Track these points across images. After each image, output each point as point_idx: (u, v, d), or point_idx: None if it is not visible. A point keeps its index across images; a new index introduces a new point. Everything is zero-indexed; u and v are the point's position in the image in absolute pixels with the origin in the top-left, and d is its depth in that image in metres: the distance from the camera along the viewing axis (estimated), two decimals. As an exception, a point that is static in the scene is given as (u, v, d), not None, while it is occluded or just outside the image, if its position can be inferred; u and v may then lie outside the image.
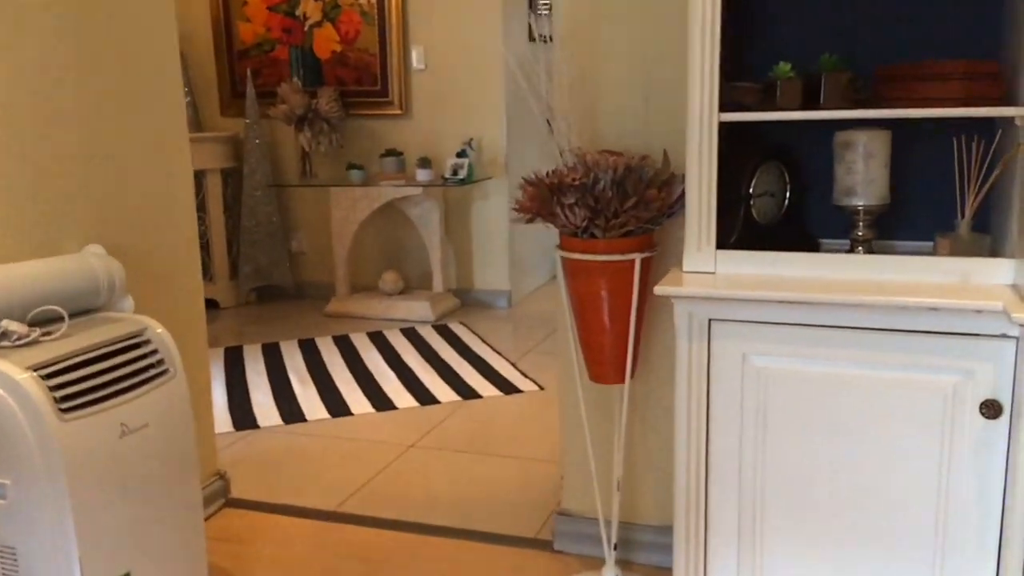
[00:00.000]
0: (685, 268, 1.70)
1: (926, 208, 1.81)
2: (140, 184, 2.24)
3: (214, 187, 5.00)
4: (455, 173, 4.73)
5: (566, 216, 1.82)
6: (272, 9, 5.11)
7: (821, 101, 1.64)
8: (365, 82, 5.02)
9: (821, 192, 1.84)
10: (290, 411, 3.47)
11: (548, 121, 1.95)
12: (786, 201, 1.85)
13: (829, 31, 1.80)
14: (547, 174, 1.88)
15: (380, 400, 3.56)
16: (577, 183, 1.81)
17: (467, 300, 5.12)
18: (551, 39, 2.09)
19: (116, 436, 1.67)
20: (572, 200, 1.80)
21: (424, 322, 4.77)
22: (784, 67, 1.64)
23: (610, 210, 1.80)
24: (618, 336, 1.93)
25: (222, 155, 5.06)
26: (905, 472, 1.54)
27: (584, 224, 1.83)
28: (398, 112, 5.00)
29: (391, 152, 4.85)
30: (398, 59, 4.93)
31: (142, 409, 1.73)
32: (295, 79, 5.04)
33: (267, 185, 5.10)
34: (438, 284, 4.97)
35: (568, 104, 1.93)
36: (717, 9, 1.60)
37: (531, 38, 5.16)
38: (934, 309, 1.47)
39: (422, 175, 4.76)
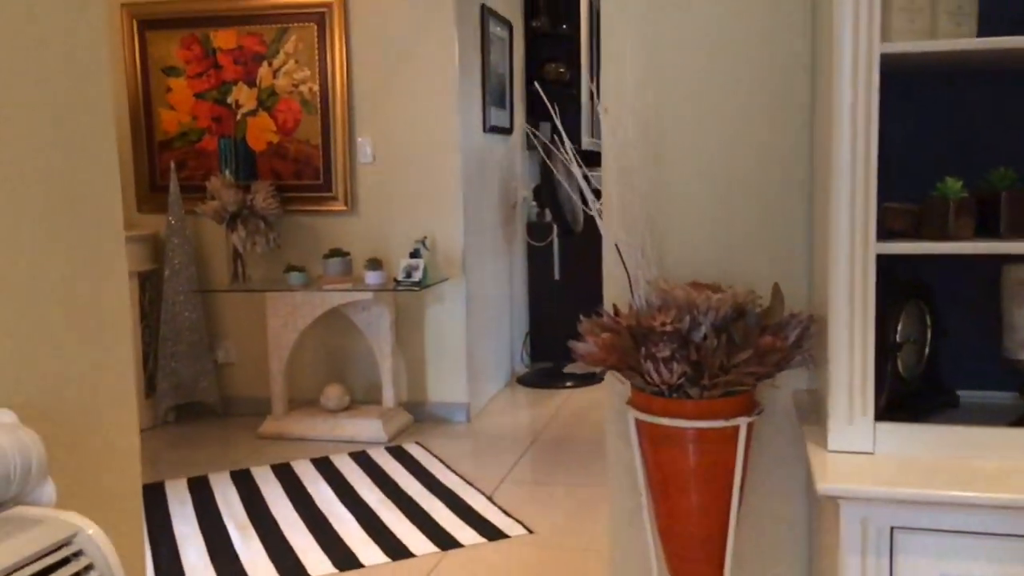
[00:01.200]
0: (831, 447, 1.28)
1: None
2: (63, 315, 1.70)
3: (130, 293, 4.38)
4: (408, 275, 4.26)
5: (659, 373, 1.37)
6: (200, 96, 4.62)
7: (1001, 228, 1.27)
8: (306, 176, 4.54)
9: (964, 337, 1.47)
10: (232, 575, 2.85)
11: (617, 245, 1.53)
12: (927, 349, 1.46)
13: (982, 136, 1.46)
14: (614, 311, 1.46)
15: (341, 555, 2.98)
16: (670, 329, 1.37)
17: (421, 415, 4.59)
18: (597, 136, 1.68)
19: None
20: (667, 352, 1.36)
21: (376, 443, 4.21)
22: (954, 184, 1.27)
23: (715, 364, 1.37)
24: (714, 523, 1.48)
25: (139, 256, 4.46)
26: None
27: (679, 382, 1.39)
28: (343, 208, 4.52)
29: (336, 252, 4.36)
30: (343, 151, 4.48)
31: None
32: (226, 173, 4.52)
33: (191, 290, 4.51)
34: (389, 398, 4.43)
35: (643, 222, 1.51)
36: (874, 110, 1.22)
37: (485, 129, 4.81)
38: None
39: (371, 278, 4.28)
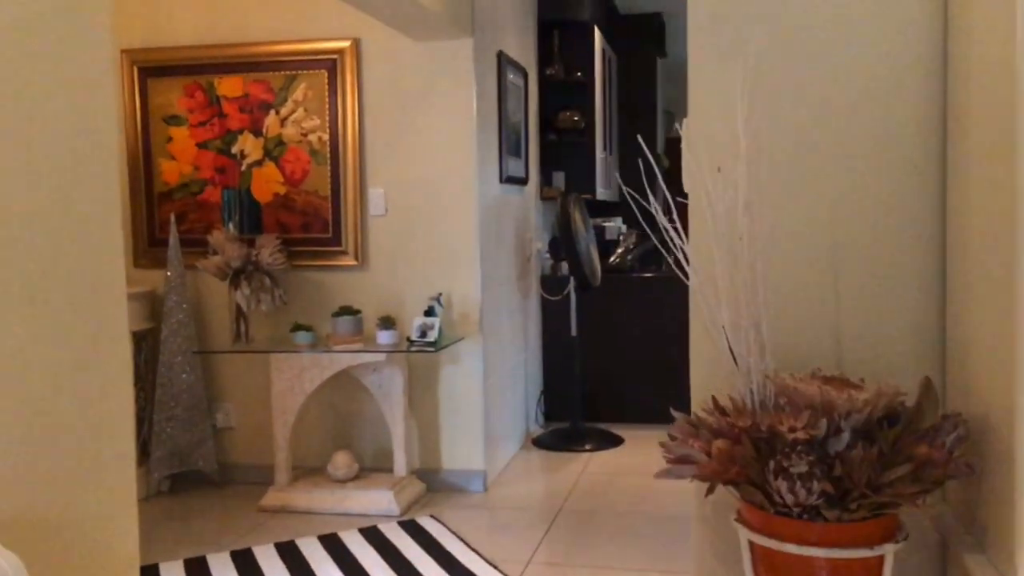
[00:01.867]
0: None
1: None
2: (55, 407, 1.43)
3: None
4: (423, 335, 4.00)
5: (793, 493, 1.11)
6: (202, 146, 4.39)
7: None
8: (314, 229, 4.30)
9: None
10: None
11: (724, 329, 1.27)
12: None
13: None
14: (715, 405, 1.20)
15: (358, 654, 2.67)
16: (804, 436, 1.11)
17: (435, 484, 4.28)
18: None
19: None
20: (804, 468, 1.10)
21: (388, 517, 3.90)
22: None
23: (862, 481, 1.11)
24: (852, 671, 1.20)
25: (135, 315, 4.19)
26: None
27: (816, 502, 1.13)
28: (353, 263, 4.27)
29: (346, 310, 4.09)
30: (354, 203, 4.24)
31: None
32: (229, 226, 4.28)
33: (190, 350, 4.23)
34: (400, 466, 4.13)
35: (758, 301, 1.26)
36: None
37: (502, 179, 4.59)
38: None
39: (383, 337, 4.01)
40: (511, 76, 4.75)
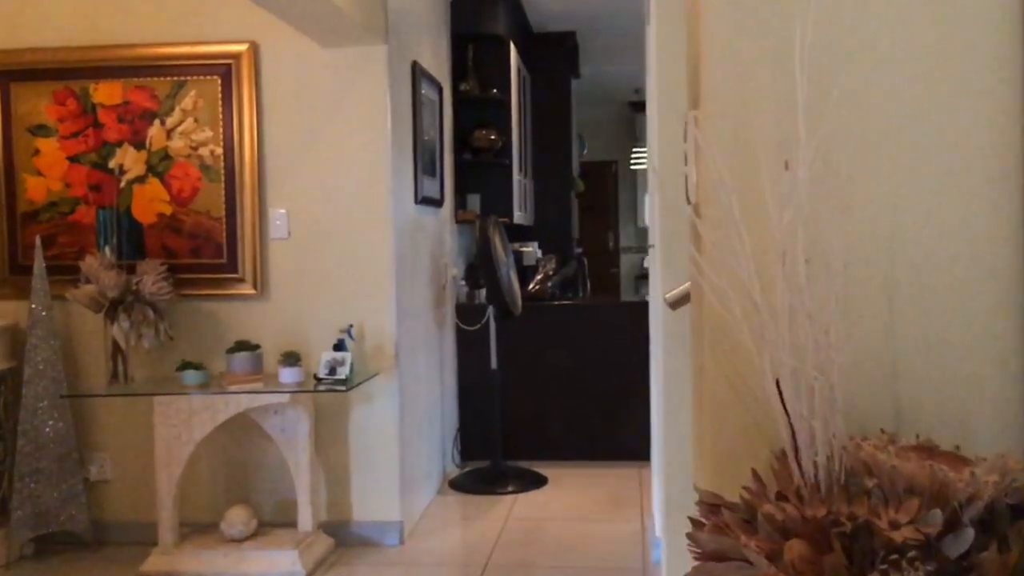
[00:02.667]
0: None
1: None
2: None
3: (-23, 400, 3.52)
4: (332, 372, 3.57)
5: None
6: (74, 159, 3.86)
7: None
8: (205, 253, 3.82)
9: None
10: None
11: (778, 382, 0.95)
12: None
13: None
14: (758, 483, 0.87)
15: None
16: (916, 536, 0.79)
17: (345, 538, 3.83)
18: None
19: None
20: (922, 582, 0.78)
21: (292, 581, 3.44)
22: None
23: (996, 598, 0.79)
24: None
25: (-9, 353, 3.61)
26: None
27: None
28: (251, 292, 3.81)
29: (242, 345, 3.63)
30: (252, 224, 3.79)
31: None
32: (106, 250, 3.75)
33: (58, 394, 3.66)
34: (306, 520, 3.66)
35: (829, 343, 0.94)
36: None
37: (417, 200, 4.23)
38: None
39: (287, 376, 3.56)
40: (425, 90, 4.40)
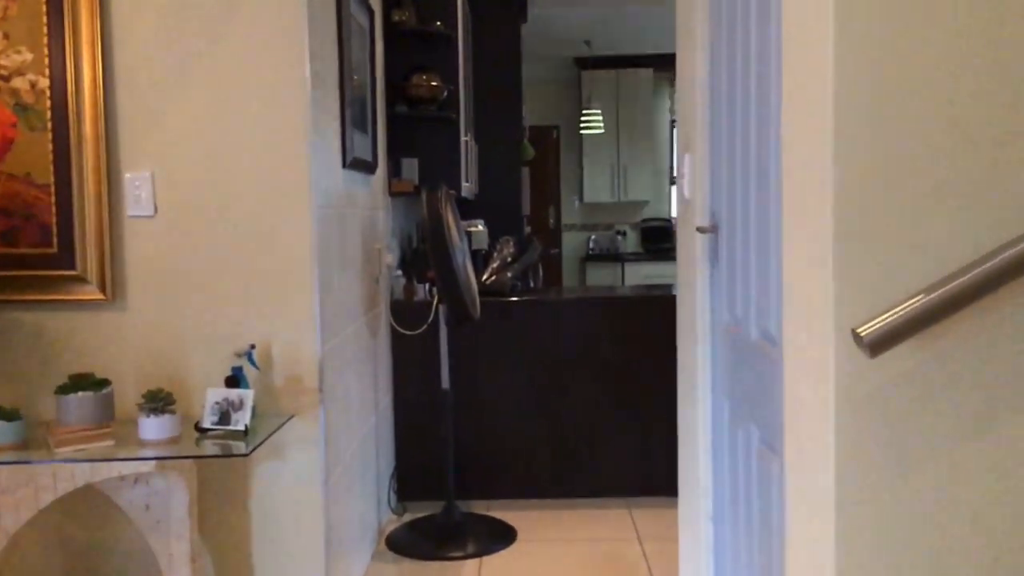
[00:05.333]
0: None
1: None
2: None
3: None
4: (224, 420, 2.36)
5: None
6: None
7: None
8: (24, 239, 2.52)
9: None
10: None
11: None
12: None
13: None
14: None
15: None
16: None
17: (245, 655, 2.64)
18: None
19: None
20: None
21: None
22: None
23: None
24: None
25: None
26: None
27: None
28: (97, 297, 2.54)
29: (82, 381, 2.37)
30: (96, 196, 2.51)
31: None
32: None
33: None
34: (186, 636, 2.45)
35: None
36: None
37: (345, 163, 3.02)
38: None
39: (152, 428, 2.32)
40: (355, 10, 3.18)
